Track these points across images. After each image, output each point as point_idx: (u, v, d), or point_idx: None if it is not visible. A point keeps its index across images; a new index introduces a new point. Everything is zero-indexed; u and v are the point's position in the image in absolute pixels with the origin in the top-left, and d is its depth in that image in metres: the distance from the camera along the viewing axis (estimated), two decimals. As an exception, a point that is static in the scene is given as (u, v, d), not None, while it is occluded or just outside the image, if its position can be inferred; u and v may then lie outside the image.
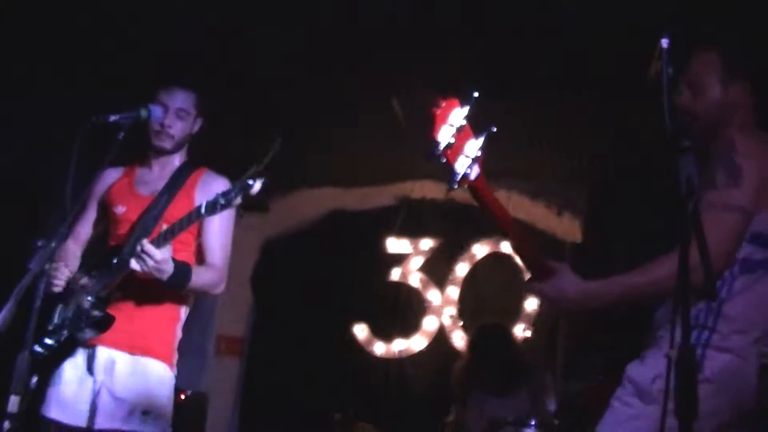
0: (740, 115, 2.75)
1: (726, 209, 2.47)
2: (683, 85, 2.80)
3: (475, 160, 2.35)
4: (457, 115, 2.32)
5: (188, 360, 3.73)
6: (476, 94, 2.35)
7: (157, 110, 3.55)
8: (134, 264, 3.22)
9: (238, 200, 2.97)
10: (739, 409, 2.51)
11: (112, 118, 3.28)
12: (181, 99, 3.67)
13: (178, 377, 3.58)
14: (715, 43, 2.83)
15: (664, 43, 2.12)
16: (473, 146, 2.34)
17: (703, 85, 2.76)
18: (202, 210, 3.09)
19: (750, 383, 2.53)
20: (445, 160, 2.31)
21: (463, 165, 2.33)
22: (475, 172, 2.36)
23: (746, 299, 2.53)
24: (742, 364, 2.51)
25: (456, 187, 2.35)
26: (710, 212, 2.42)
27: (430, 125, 2.34)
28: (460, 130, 2.31)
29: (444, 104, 2.37)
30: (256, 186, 2.91)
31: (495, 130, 2.36)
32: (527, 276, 2.65)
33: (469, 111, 2.35)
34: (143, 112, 3.47)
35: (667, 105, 2.06)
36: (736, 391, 2.49)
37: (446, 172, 2.35)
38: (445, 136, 2.30)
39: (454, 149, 2.32)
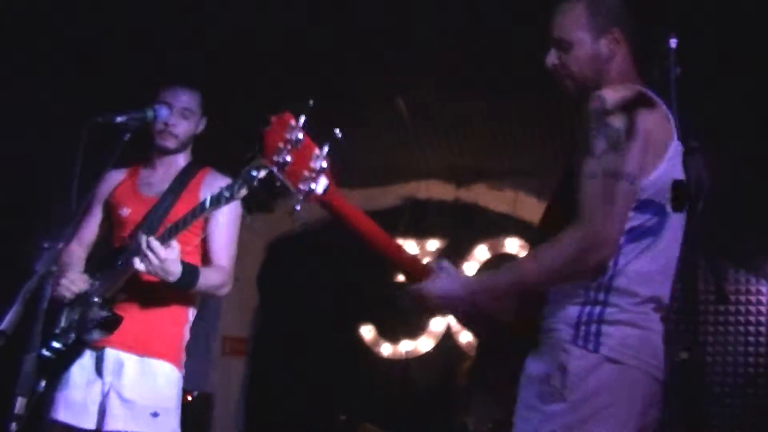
0: (616, 66, 2.56)
1: (609, 176, 2.27)
2: (549, 45, 2.62)
3: (319, 172, 2.20)
4: (292, 130, 2.18)
5: (194, 360, 3.72)
6: (311, 102, 2.21)
7: (163, 110, 3.53)
8: (138, 263, 3.20)
9: (243, 192, 2.94)
10: (654, 381, 2.39)
11: (119, 118, 3.27)
12: (184, 98, 3.66)
13: (184, 378, 3.58)
14: None
15: (672, 43, 2.09)
16: (317, 158, 2.20)
17: (572, 41, 2.56)
18: (207, 204, 3.08)
19: (657, 355, 2.41)
20: (280, 183, 2.19)
21: (306, 181, 2.19)
22: (322, 185, 2.22)
23: (638, 268, 2.38)
24: (645, 335, 2.39)
25: (299, 208, 2.23)
26: (593, 181, 2.29)
27: (258, 147, 2.20)
28: (296, 144, 2.17)
29: (274, 121, 2.22)
30: (260, 176, 2.89)
31: (339, 134, 2.22)
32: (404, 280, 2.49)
33: (306, 122, 2.20)
34: (150, 113, 3.45)
35: (674, 104, 2.03)
36: (643, 365, 2.36)
37: (288, 195, 2.21)
38: (278, 156, 2.17)
39: (293, 167, 2.18)
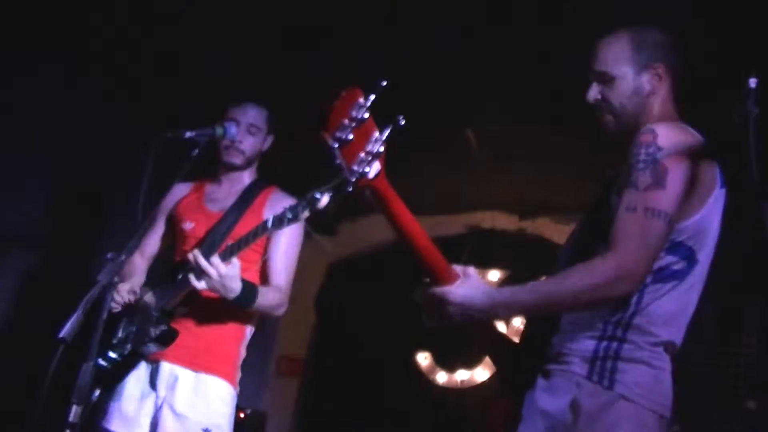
0: (658, 102, 2.55)
1: (648, 213, 2.24)
2: (590, 79, 2.60)
3: (375, 156, 2.11)
4: (359, 108, 2.11)
5: (248, 378, 3.72)
6: (384, 83, 2.12)
7: (232, 128, 3.56)
8: (197, 281, 3.21)
9: (306, 214, 2.92)
10: (662, 420, 2.35)
11: (188, 134, 3.29)
12: (252, 115, 3.69)
13: (238, 395, 3.58)
14: (622, 29, 2.60)
15: (752, 83, 2.04)
16: (376, 141, 2.11)
17: (614, 75, 2.55)
18: (269, 224, 3.06)
19: (668, 395, 2.37)
20: (339, 161, 2.11)
21: (361, 163, 2.10)
22: (374, 170, 2.12)
23: (658, 309, 2.35)
24: (657, 375, 2.35)
25: (351, 189, 2.14)
26: (631, 215, 2.26)
27: (324, 120, 2.15)
28: (360, 123, 2.10)
29: (344, 95, 2.15)
30: (324, 200, 2.86)
31: (403, 121, 2.12)
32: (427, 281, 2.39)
33: (373, 102, 2.12)
34: (219, 130, 3.47)
35: (753, 149, 1.98)
36: (655, 405, 2.32)
37: (339, 174, 2.12)
38: (340, 131, 2.11)
39: (352, 146, 2.11)
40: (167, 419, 3.36)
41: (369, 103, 2.12)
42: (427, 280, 2.39)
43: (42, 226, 4.97)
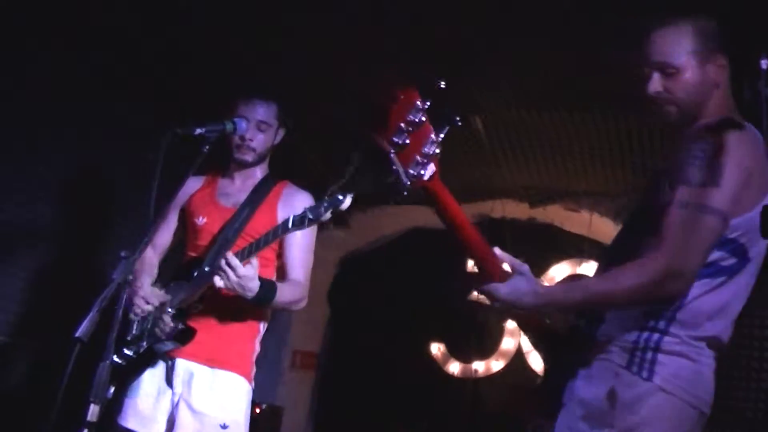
0: (720, 95, 2.46)
1: (701, 210, 2.21)
2: (648, 70, 2.48)
3: (431, 157, 2.09)
4: (417, 112, 2.07)
5: (263, 373, 3.72)
6: (443, 84, 2.13)
7: (242, 124, 3.53)
8: (218, 280, 3.22)
9: (328, 215, 2.94)
10: (701, 416, 2.35)
11: (198, 130, 3.26)
12: (261, 111, 3.64)
13: (253, 390, 3.58)
14: (686, 16, 2.49)
15: (764, 63, 2.03)
16: (432, 143, 2.09)
17: (678, 66, 2.43)
18: (290, 225, 3.07)
19: (708, 390, 2.36)
20: (395, 167, 2.08)
21: (417, 166, 2.08)
22: (429, 172, 2.11)
23: (703, 305, 2.33)
24: (698, 369, 2.34)
25: (406, 193, 2.11)
26: (683, 211, 2.23)
27: (383, 124, 2.10)
28: (417, 127, 2.07)
29: (402, 97, 2.11)
30: (346, 202, 2.87)
31: (459, 122, 2.14)
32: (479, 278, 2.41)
33: (430, 105, 2.09)
34: (229, 126, 3.43)
35: (766, 125, 1.97)
36: (694, 399, 2.32)
37: (395, 179, 2.09)
38: (398, 137, 2.06)
39: (408, 150, 2.08)
40: (185, 417, 3.37)
41: (426, 106, 2.09)
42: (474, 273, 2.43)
43: (50, 225, 4.97)
